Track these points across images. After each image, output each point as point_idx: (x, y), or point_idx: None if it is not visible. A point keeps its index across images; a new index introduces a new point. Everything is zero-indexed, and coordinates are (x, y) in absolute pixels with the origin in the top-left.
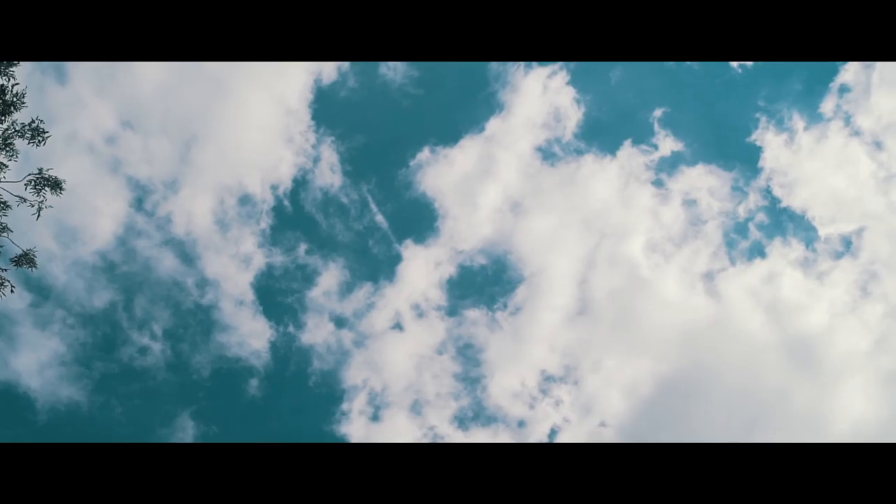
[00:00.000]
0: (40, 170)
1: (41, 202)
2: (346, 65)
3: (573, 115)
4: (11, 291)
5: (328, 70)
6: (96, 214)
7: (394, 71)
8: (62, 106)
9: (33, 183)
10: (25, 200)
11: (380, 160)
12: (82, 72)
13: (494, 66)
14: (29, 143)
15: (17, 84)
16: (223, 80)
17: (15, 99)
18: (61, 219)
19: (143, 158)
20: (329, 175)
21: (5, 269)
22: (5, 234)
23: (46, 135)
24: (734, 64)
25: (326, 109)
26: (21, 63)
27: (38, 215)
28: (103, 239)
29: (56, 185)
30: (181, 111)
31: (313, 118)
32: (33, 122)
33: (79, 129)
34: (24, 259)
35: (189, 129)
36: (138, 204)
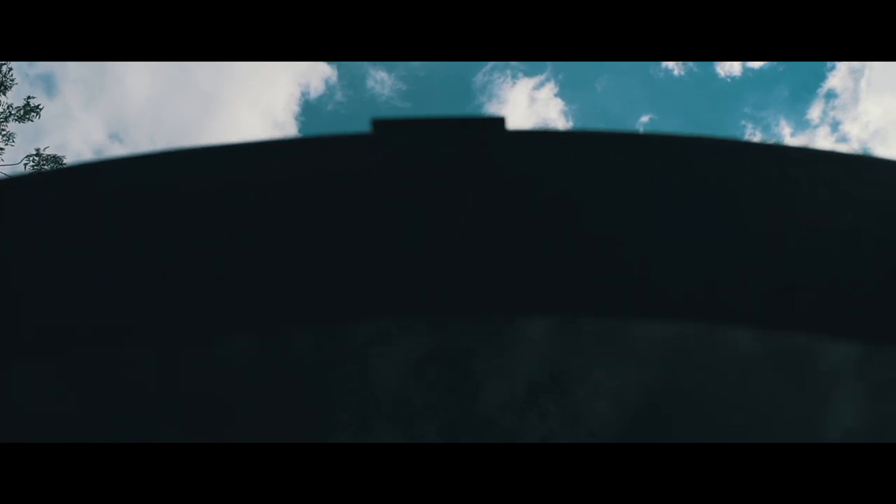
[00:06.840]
0: (38, 150)
1: None
2: (333, 78)
3: (561, 125)
4: None
5: (315, 83)
6: None
7: (381, 84)
8: (51, 118)
9: (33, 163)
10: None
11: None
12: (71, 84)
13: (481, 77)
14: (20, 120)
15: (3, 62)
16: (210, 92)
17: (4, 78)
18: None
19: None
20: None
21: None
22: None
23: (40, 107)
24: (720, 71)
25: (313, 122)
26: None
27: None
28: None
29: (56, 161)
30: (169, 123)
31: (300, 131)
32: (27, 102)
33: (68, 142)
34: None
35: (177, 142)
36: None
